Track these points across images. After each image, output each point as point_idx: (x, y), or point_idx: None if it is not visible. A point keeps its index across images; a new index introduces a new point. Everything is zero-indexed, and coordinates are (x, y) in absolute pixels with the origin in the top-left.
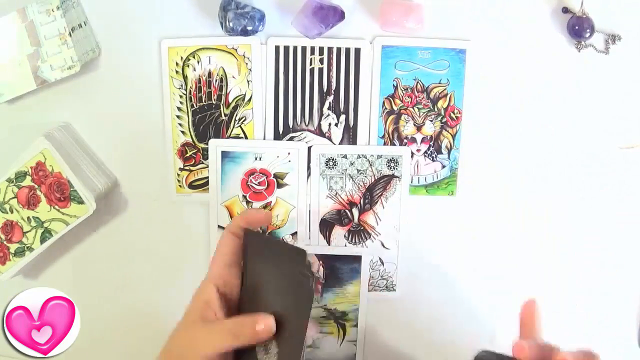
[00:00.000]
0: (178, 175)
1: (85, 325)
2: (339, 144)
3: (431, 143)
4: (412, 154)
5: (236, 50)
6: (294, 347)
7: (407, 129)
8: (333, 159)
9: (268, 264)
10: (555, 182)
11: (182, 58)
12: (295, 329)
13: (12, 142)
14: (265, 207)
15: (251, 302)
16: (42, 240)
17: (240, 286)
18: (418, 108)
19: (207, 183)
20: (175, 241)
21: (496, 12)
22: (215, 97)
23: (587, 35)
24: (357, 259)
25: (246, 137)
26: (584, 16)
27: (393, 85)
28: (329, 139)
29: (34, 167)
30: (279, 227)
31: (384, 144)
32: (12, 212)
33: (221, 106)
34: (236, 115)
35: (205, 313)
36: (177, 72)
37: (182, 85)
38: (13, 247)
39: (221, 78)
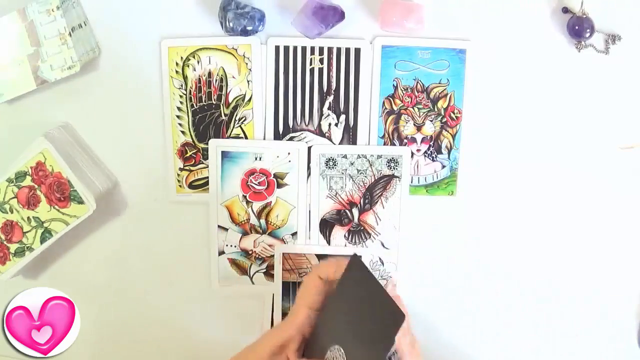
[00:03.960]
0: (178, 175)
1: (85, 325)
2: (339, 144)
3: (431, 143)
4: (412, 154)
5: (236, 50)
6: None
7: (407, 129)
8: (333, 159)
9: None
10: (555, 182)
11: (182, 58)
12: None
13: (12, 142)
14: (265, 207)
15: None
16: (42, 240)
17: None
18: (418, 108)
19: (207, 183)
20: (175, 241)
21: (496, 12)
22: (215, 97)
23: (587, 35)
24: None
25: (246, 137)
26: (584, 16)
27: (393, 85)
28: (329, 139)
29: (34, 167)
30: (279, 227)
31: (384, 144)
32: (12, 212)
33: (221, 106)
34: (236, 115)
35: (276, 357)
36: (177, 72)
37: (182, 85)
38: (13, 247)
39: (221, 78)
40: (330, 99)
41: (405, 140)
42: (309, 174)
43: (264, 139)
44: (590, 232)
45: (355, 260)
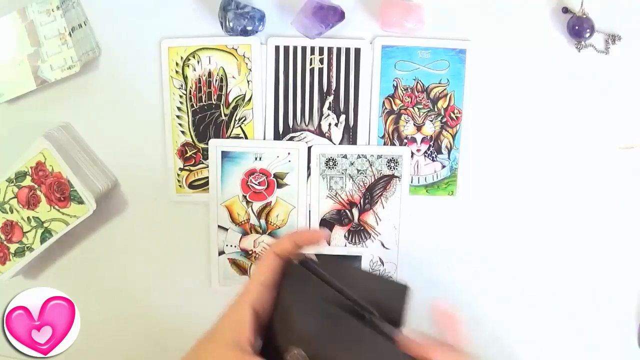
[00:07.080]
0: (178, 175)
1: (85, 325)
2: (339, 144)
3: (431, 143)
4: (412, 154)
5: (236, 50)
6: None
7: (407, 129)
8: (333, 159)
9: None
10: (555, 182)
11: (182, 58)
12: None
13: (12, 142)
14: (265, 207)
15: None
16: (42, 240)
17: (273, 311)
18: (418, 108)
19: (207, 183)
20: (175, 241)
21: (496, 12)
22: (215, 97)
23: (587, 35)
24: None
25: (246, 137)
26: (584, 16)
27: (393, 85)
28: (329, 139)
29: (34, 167)
30: (279, 227)
31: (384, 144)
32: (12, 212)
33: (221, 106)
34: (236, 115)
35: (238, 338)
36: (177, 72)
37: (182, 85)
38: (13, 247)
39: (221, 78)
40: (330, 99)
41: (405, 140)
42: (309, 174)
43: (264, 139)
44: (590, 232)
45: (294, 268)
